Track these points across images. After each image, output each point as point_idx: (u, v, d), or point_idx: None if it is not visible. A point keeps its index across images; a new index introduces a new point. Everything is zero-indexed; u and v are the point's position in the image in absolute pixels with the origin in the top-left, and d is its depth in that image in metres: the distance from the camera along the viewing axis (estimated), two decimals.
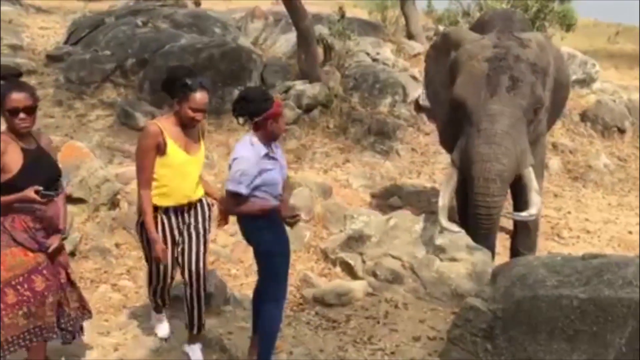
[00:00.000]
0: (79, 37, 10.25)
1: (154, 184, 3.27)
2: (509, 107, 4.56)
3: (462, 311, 3.44)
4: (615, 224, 6.90)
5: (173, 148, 3.26)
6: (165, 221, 3.34)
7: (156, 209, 3.30)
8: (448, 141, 5.27)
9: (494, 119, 4.52)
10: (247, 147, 3.20)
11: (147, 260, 3.56)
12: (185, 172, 3.32)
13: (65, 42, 10.40)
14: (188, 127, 3.32)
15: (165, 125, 3.27)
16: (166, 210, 3.33)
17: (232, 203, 3.22)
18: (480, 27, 5.36)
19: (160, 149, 3.22)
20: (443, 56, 5.25)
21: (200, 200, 3.46)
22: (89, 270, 4.57)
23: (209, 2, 19.66)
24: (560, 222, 6.91)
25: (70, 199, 5.10)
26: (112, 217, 5.11)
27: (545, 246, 6.15)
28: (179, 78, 3.24)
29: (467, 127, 4.68)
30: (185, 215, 3.40)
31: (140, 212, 3.33)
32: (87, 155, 5.35)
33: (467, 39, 5.01)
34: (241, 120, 3.26)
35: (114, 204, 5.22)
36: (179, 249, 3.39)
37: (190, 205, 3.40)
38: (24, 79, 9.43)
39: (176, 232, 3.39)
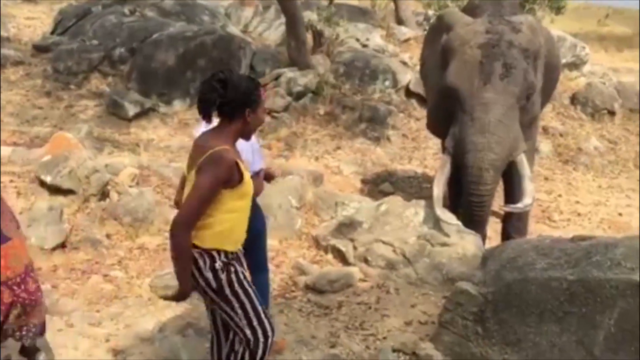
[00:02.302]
0: (65, 27, 10.15)
1: (221, 225, 2.51)
2: (502, 95, 4.56)
3: (453, 295, 3.46)
4: (605, 206, 6.94)
5: (247, 175, 2.55)
6: (239, 270, 2.60)
7: (217, 256, 2.52)
8: (436, 124, 5.28)
9: (488, 108, 4.52)
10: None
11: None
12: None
13: (52, 32, 10.30)
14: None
15: (231, 149, 2.49)
16: (236, 257, 2.63)
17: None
18: (470, 11, 5.33)
19: (233, 181, 2.47)
20: (437, 38, 5.23)
21: None
22: (80, 261, 4.55)
23: None
24: (551, 205, 6.94)
25: (60, 190, 5.08)
26: (102, 207, 5.08)
27: (536, 229, 6.17)
28: (253, 88, 2.52)
29: (461, 114, 4.67)
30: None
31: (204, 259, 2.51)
32: (75, 146, 5.32)
33: (459, 22, 4.98)
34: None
35: (104, 194, 5.19)
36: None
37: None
38: (11, 70, 9.31)
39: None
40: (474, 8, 5.28)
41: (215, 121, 2.55)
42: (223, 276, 2.53)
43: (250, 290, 2.60)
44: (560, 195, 7.17)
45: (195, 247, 2.49)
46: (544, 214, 6.67)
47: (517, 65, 4.57)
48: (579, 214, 6.70)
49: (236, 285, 2.56)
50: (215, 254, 2.52)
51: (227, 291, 2.54)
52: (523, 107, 4.69)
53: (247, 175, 2.55)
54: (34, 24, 11.56)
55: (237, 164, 2.48)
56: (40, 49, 9.67)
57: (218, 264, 2.52)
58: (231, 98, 2.46)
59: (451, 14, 5.22)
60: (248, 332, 2.57)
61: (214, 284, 2.52)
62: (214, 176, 2.42)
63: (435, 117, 5.26)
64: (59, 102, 8.48)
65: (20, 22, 11.59)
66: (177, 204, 2.86)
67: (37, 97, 8.55)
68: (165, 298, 3.92)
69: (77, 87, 8.79)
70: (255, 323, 2.58)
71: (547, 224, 6.45)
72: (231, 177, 2.46)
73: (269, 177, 3.35)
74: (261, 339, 2.59)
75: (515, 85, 4.57)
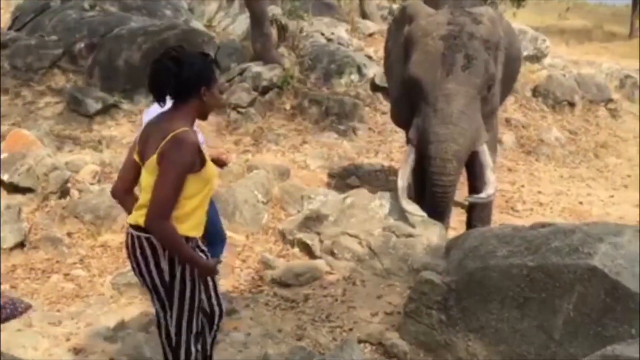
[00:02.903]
0: (23, 23, 9.89)
1: (181, 209, 2.38)
2: (464, 86, 4.59)
3: (417, 285, 3.49)
4: (567, 195, 7.07)
5: (208, 158, 2.49)
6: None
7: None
8: (400, 116, 5.31)
9: (450, 99, 4.56)
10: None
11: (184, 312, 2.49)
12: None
13: (10, 28, 10.02)
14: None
15: (191, 131, 2.39)
16: (198, 245, 2.52)
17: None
18: (432, 2, 5.35)
19: (196, 165, 2.36)
20: (399, 30, 5.26)
21: None
22: (39, 260, 4.46)
23: None
24: (515, 195, 7.05)
25: (18, 189, 4.96)
26: (63, 206, 4.98)
27: (500, 219, 6.26)
28: (208, 64, 2.42)
29: (423, 106, 4.70)
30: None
31: (164, 248, 2.37)
32: (34, 143, 5.20)
33: (420, 13, 5.00)
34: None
35: (64, 192, 5.08)
36: None
37: None
38: None
39: None
40: (435, 0, 5.31)
41: (169, 103, 2.41)
42: (178, 271, 2.40)
43: (195, 301, 2.45)
44: (523, 186, 7.29)
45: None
46: (507, 204, 6.77)
47: (478, 56, 4.62)
48: (541, 204, 6.81)
49: (188, 289, 2.42)
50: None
51: (176, 289, 2.41)
52: (484, 98, 4.74)
53: (208, 159, 2.46)
54: None
55: (199, 147, 2.36)
56: None
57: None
58: (186, 77, 2.31)
59: (413, 6, 5.24)
60: (172, 331, 2.47)
61: (167, 277, 2.39)
62: (181, 161, 2.30)
63: (399, 108, 5.28)
64: (18, 99, 8.26)
65: None
66: (117, 192, 2.54)
67: None
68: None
69: (36, 83, 8.58)
70: (183, 339, 2.47)
71: (511, 214, 6.55)
72: (195, 161, 2.34)
73: (220, 163, 3.28)
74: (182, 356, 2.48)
75: (477, 76, 4.61)
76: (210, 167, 2.47)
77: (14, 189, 4.93)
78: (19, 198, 4.88)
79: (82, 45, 8.93)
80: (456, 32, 4.66)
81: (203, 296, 2.55)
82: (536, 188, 7.28)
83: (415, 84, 4.73)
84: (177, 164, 2.29)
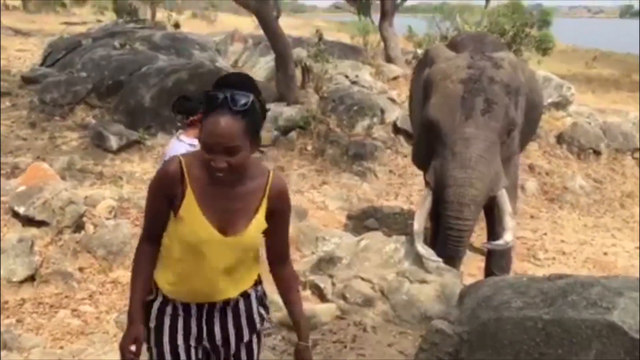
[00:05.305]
0: (55, 59, 10.21)
1: (164, 249, 2.03)
2: (483, 130, 4.53)
3: (428, 334, 3.34)
4: (591, 245, 6.86)
5: (190, 208, 1.94)
6: (175, 320, 2.05)
7: (154, 292, 2.06)
8: (419, 157, 5.26)
9: (469, 143, 4.49)
10: (183, 147, 3.02)
11: None
12: (204, 255, 1.98)
13: (42, 64, 10.34)
14: (221, 179, 1.89)
15: (194, 163, 1.94)
16: (175, 307, 2.04)
17: None
18: (454, 46, 5.35)
19: (174, 203, 1.94)
20: (421, 73, 5.26)
21: (233, 302, 2.09)
22: (48, 295, 4.43)
23: (190, 25, 19.78)
24: (537, 243, 6.87)
25: (33, 222, 4.97)
26: (76, 240, 4.97)
27: (520, 267, 6.09)
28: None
29: (441, 149, 4.64)
30: (205, 320, 2.06)
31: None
32: (52, 177, 5.23)
33: (441, 56, 5.00)
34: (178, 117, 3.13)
35: (79, 226, 5.09)
36: None
37: (213, 308, 2.07)
38: None
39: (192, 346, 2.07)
40: (457, 44, 5.30)
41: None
42: (152, 324, 2.03)
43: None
44: (545, 234, 7.10)
45: None
46: (528, 252, 6.59)
47: (498, 100, 4.56)
48: (564, 253, 6.62)
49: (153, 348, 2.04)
50: (154, 288, 2.05)
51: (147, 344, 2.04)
52: (504, 143, 4.66)
53: (193, 209, 1.92)
54: (24, 55, 11.63)
55: (175, 177, 1.93)
56: (28, 80, 9.69)
57: (154, 305, 2.03)
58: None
59: (435, 49, 5.25)
60: None
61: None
62: (150, 183, 2.02)
63: (419, 150, 5.24)
64: (44, 133, 8.43)
65: (11, 53, 11.67)
66: None
67: (21, 128, 8.51)
68: None
69: (62, 118, 8.77)
70: None
71: (532, 262, 6.36)
72: (166, 191, 1.94)
73: None
74: None
75: (497, 120, 4.54)
76: (193, 224, 1.93)
77: (29, 222, 4.95)
78: (33, 231, 4.89)
79: (110, 82, 9.14)
80: (476, 76, 4.62)
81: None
82: (559, 236, 7.09)
83: (434, 126, 4.68)
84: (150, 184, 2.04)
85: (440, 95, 4.69)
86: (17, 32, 14.08)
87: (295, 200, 7.33)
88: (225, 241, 1.95)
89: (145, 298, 2.02)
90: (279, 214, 2.06)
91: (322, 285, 4.71)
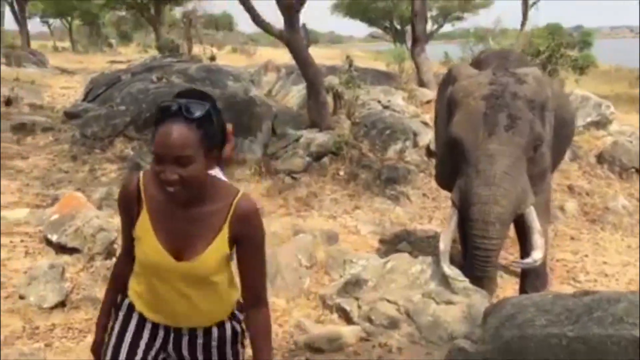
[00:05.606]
0: (96, 94, 10.58)
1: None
2: (507, 146, 4.44)
3: (450, 353, 3.25)
4: (634, 266, 6.57)
5: (143, 228, 1.86)
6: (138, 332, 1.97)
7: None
8: (443, 177, 5.18)
9: (493, 160, 4.40)
10: None
11: None
12: (161, 277, 1.88)
13: (83, 100, 10.72)
14: (175, 196, 1.77)
15: (153, 180, 1.83)
16: (140, 319, 1.97)
17: None
18: (477, 64, 5.32)
19: (133, 220, 1.89)
20: (444, 91, 5.22)
21: (201, 331, 1.97)
22: (78, 320, 4.48)
23: (229, 59, 20.23)
24: (577, 265, 6.62)
25: (65, 249, 5.09)
26: (107, 267, 5.04)
27: (560, 290, 5.85)
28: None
29: (465, 166, 4.56)
30: (171, 343, 1.98)
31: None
32: (84, 205, 5.36)
33: (463, 74, 4.96)
34: None
35: (110, 253, 5.18)
36: None
37: (180, 333, 1.97)
38: (40, 136, 9.61)
39: None
40: (480, 61, 5.27)
41: None
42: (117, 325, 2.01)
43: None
44: (586, 255, 6.84)
45: None
46: (568, 274, 6.36)
47: (522, 116, 4.47)
48: (606, 275, 6.35)
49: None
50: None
51: None
52: (531, 159, 4.55)
53: (147, 230, 1.83)
54: (68, 92, 12.12)
55: (135, 193, 1.86)
56: (70, 115, 10.05)
57: (123, 306, 2.00)
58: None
59: (457, 67, 5.21)
60: None
61: None
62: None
63: (443, 169, 5.16)
64: (84, 166, 8.69)
65: (56, 91, 12.17)
66: None
67: (63, 161, 8.79)
68: None
69: (102, 151, 9.02)
70: None
71: (572, 285, 6.12)
72: (126, 208, 1.90)
73: None
74: None
75: (521, 136, 4.44)
76: (146, 246, 1.85)
77: (61, 249, 5.07)
78: (65, 258, 5.00)
79: (147, 114, 9.39)
80: (499, 92, 4.55)
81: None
82: (601, 258, 6.82)
83: (457, 144, 4.61)
84: None
85: (463, 112, 4.63)
86: (64, 71, 14.71)
87: (327, 225, 7.31)
88: (178, 266, 1.82)
89: (111, 308, 2.03)
90: (247, 241, 1.85)
91: (347, 308, 4.65)
